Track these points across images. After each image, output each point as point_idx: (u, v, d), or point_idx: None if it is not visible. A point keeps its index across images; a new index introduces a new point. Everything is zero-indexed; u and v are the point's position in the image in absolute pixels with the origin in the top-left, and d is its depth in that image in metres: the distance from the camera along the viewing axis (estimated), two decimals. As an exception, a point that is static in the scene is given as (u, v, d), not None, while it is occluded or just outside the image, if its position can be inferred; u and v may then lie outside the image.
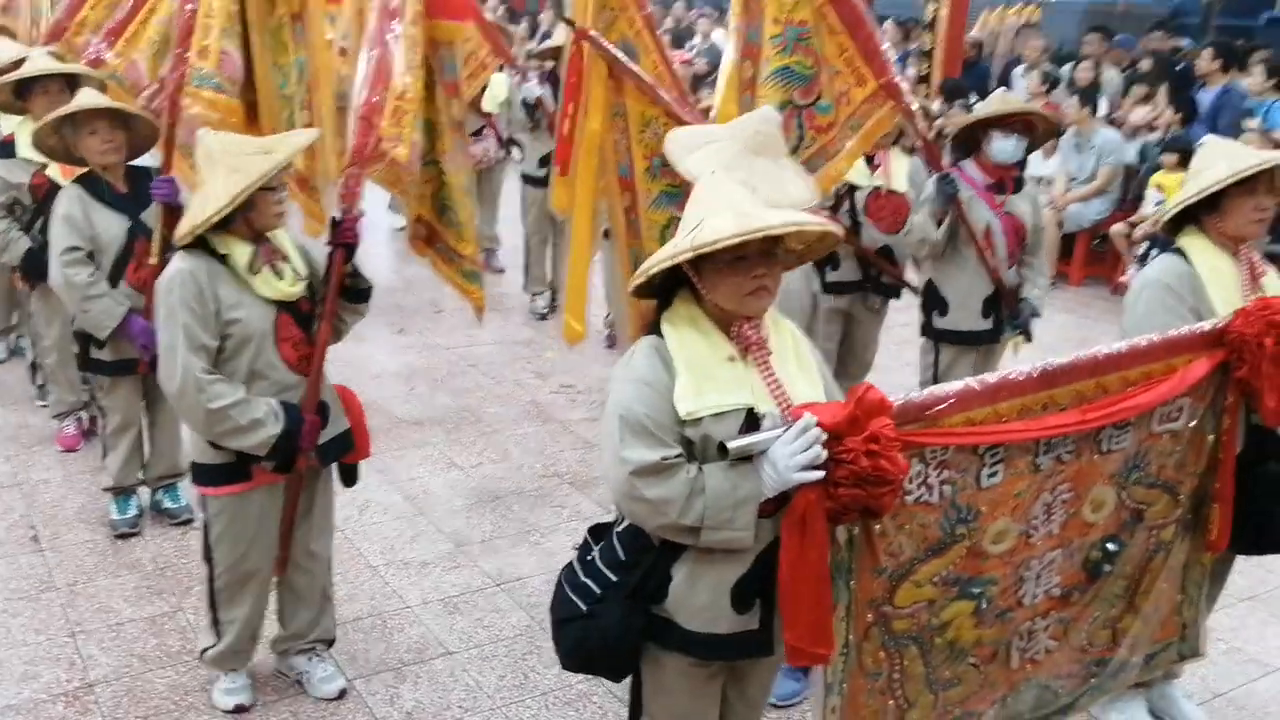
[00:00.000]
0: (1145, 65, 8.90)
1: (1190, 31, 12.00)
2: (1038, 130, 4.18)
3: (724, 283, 2.07)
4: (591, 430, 5.30)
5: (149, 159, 4.05)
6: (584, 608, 2.22)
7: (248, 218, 2.90)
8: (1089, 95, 8.09)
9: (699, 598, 2.16)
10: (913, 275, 4.69)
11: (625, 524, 2.25)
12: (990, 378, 2.33)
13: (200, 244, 2.89)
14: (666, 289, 2.20)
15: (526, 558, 4.10)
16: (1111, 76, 9.10)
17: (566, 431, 5.28)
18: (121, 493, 4.25)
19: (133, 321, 3.88)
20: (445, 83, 3.73)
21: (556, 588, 2.34)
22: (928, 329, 4.34)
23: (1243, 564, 3.30)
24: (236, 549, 3.06)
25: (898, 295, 4.69)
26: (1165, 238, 3.01)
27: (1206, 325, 2.63)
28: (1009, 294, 4.20)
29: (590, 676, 3.34)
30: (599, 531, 2.36)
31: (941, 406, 2.23)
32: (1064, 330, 6.73)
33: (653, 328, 2.21)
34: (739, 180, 2.10)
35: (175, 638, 3.52)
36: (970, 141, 4.19)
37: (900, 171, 4.61)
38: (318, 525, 3.26)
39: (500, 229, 7.93)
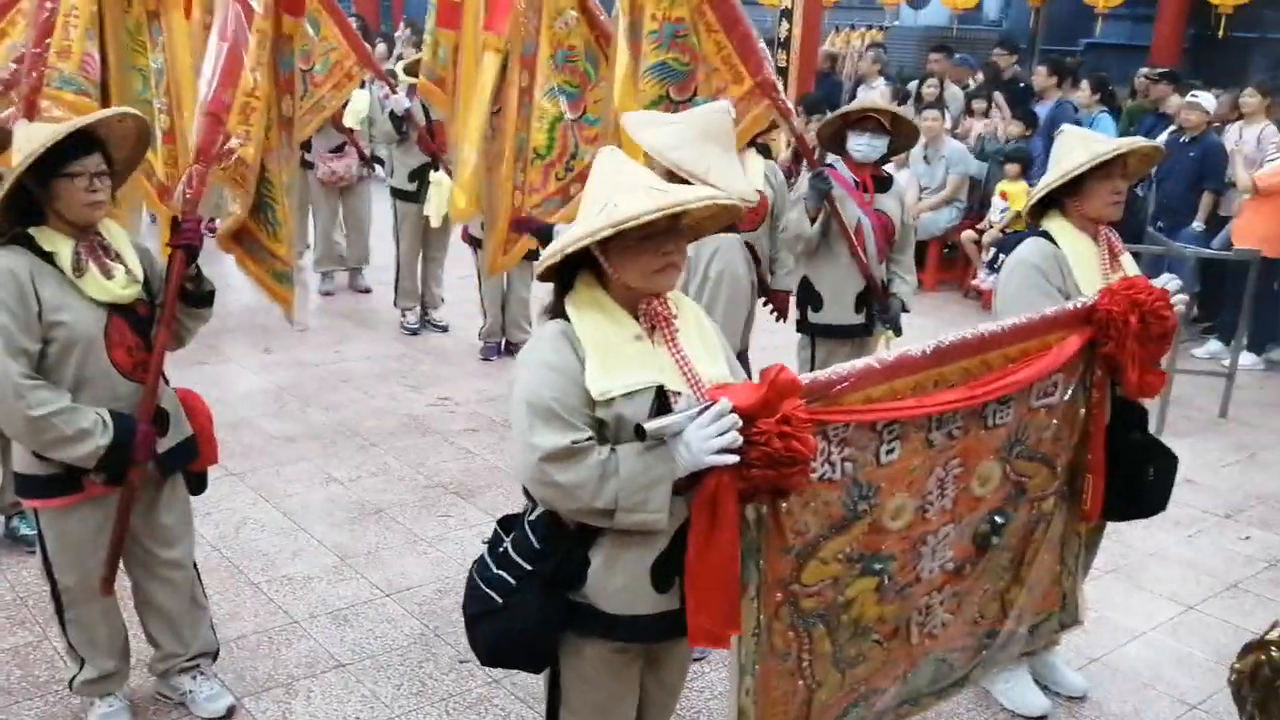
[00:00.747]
0: (981, 77, 9.40)
1: (1018, 54, 12.74)
2: (898, 133, 4.35)
3: (633, 261, 2.08)
4: (472, 440, 5.23)
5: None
6: (499, 600, 2.18)
7: (55, 209, 2.71)
8: (938, 108, 8.48)
9: (618, 580, 2.15)
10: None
11: (537, 512, 2.22)
12: (887, 356, 2.42)
13: (25, 240, 2.71)
14: (566, 273, 2.19)
15: (415, 567, 4.00)
16: (954, 93, 9.57)
17: (447, 443, 5.19)
18: None
19: None
20: (280, 78, 3.63)
21: (468, 584, 2.28)
22: (803, 324, 4.46)
23: (1104, 540, 3.50)
24: (75, 564, 2.87)
25: (766, 294, 4.77)
26: (1030, 222, 3.18)
27: (1076, 304, 2.80)
28: (879, 289, 4.36)
29: (490, 679, 3.32)
30: (508, 523, 2.32)
31: (844, 384, 2.30)
32: (922, 332, 6.86)
33: (556, 311, 2.19)
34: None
35: (42, 667, 3.29)
36: (838, 142, 4.34)
37: (756, 169, 4.72)
38: (174, 533, 3.05)
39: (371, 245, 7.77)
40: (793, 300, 4.54)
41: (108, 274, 2.76)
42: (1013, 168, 7.96)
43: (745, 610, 2.31)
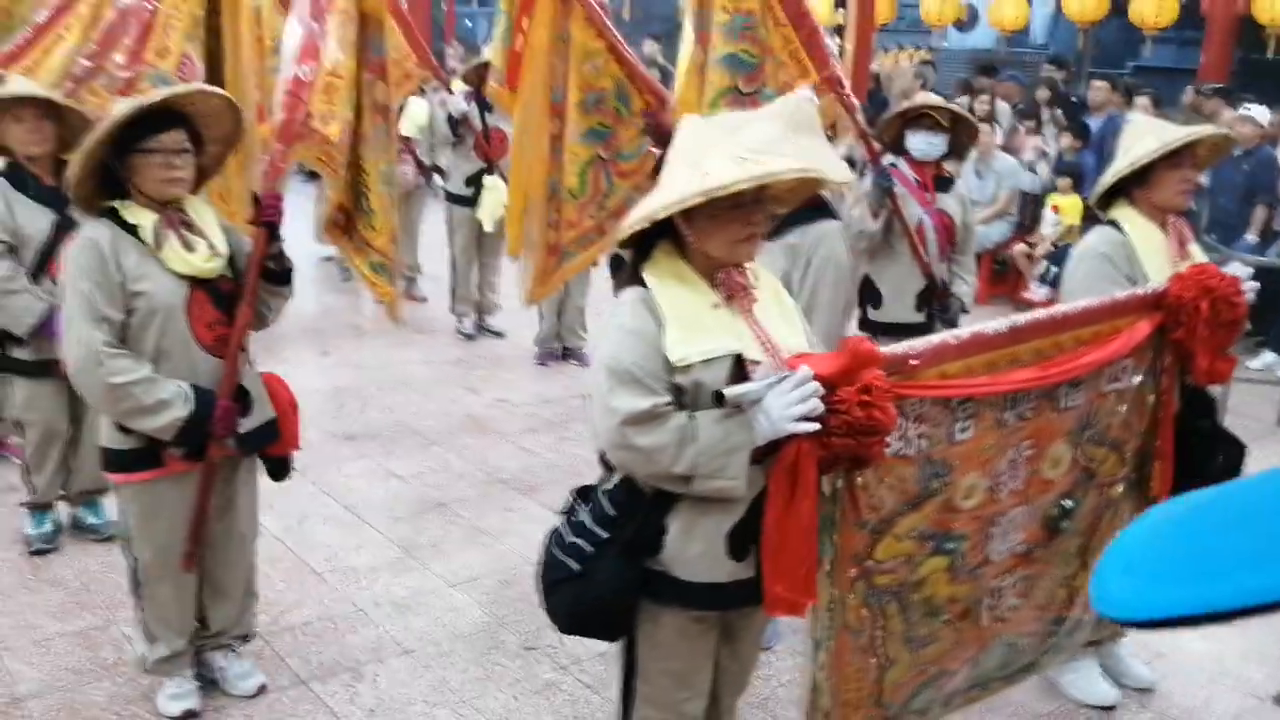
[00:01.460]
0: (1041, 95, 9.38)
1: (1067, 70, 12.72)
2: (956, 131, 4.37)
3: (719, 231, 2.11)
4: (531, 440, 5.28)
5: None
6: (577, 567, 2.20)
7: (135, 184, 2.78)
8: (989, 122, 8.48)
9: (694, 547, 2.17)
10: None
11: (613, 481, 2.25)
12: (964, 332, 2.44)
13: (111, 214, 2.79)
14: (645, 242, 2.21)
15: (478, 559, 4.05)
16: (1004, 109, 9.57)
17: (506, 441, 5.25)
18: (39, 508, 4.06)
19: (55, 319, 3.74)
20: (371, 63, 3.68)
21: (544, 553, 2.31)
22: (863, 321, 4.48)
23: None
24: (154, 538, 2.92)
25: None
26: (1098, 212, 3.18)
27: (1146, 289, 2.80)
28: (940, 289, 4.37)
29: (557, 665, 3.35)
30: (584, 493, 2.34)
31: (921, 358, 2.32)
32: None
33: (633, 280, 2.22)
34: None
35: (109, 649, 3.36)
36: (898, 143, 4.37)
37: None
38: (244, 515, 3.12)
39: (421, 256, 7.87)
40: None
41: (189, 247, 2.81)
42: (1065, 181, 7.94)
43: (820, 584, 2.33)
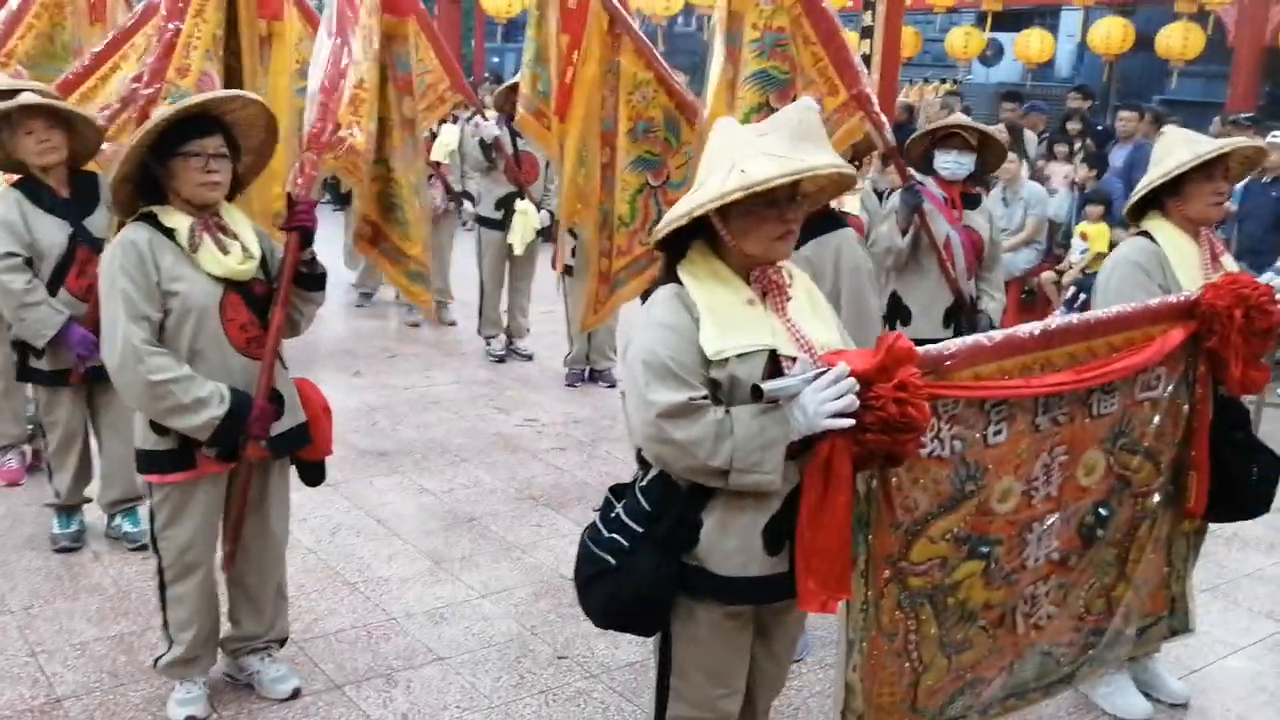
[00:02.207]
0: (1071, 127, 9.41)
1: (1092, 99, 12.76)
2: (985, 152, 4.41)
3: (755, 228, 2.14)
4: (560, 458, 5.31)
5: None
6: (612, 562, 2.21)
7: (174, 188, 2.84)
8: (1016, 150, 8.51)
9: (730, 541, 2.18)
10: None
11: (649, 478, 2.26)
12: (997, 334, 2.46)
13: (148, 218, 2.86)
14: (679, 241, 2.24)
15: (509, 571, 4.07)
16: (1030, 138, 9.61)
17: (536, 459, 5.28)
18: (64, 509, 4.14)
19: (71, 330, 3.81)
20: (398, 78, 3.74)
21: (580, 549, 2.32)
22: (892, 339, 4.49)
23: (1199, 559, 3.44)
24: (178, 539, 2.96)
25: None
26: (1130, 224, 3.20)
27: (1180, 296, 2.81)
28: (968, 305, 4.38)
29: (588, 674, 3.36)
30: (619, 491, 2.36)
31: (955, 358, 2.34)
32: (1003, 370, 6.95)
33: (670, 278, 2.24)
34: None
35: (146, 654, 3.38)
36: (926, 160, 4.42)
37: (851, 196, 4.82)
38: (275, 518, 3.15)
39: (451, 281, 7.96)
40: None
41: (223, 250, 2.87)
42: (1095, 209, 7.94)
43: (854, 584, 2.34)
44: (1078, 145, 9.08)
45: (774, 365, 2.17)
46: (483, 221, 6.90)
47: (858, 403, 2.06)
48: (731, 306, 2.19)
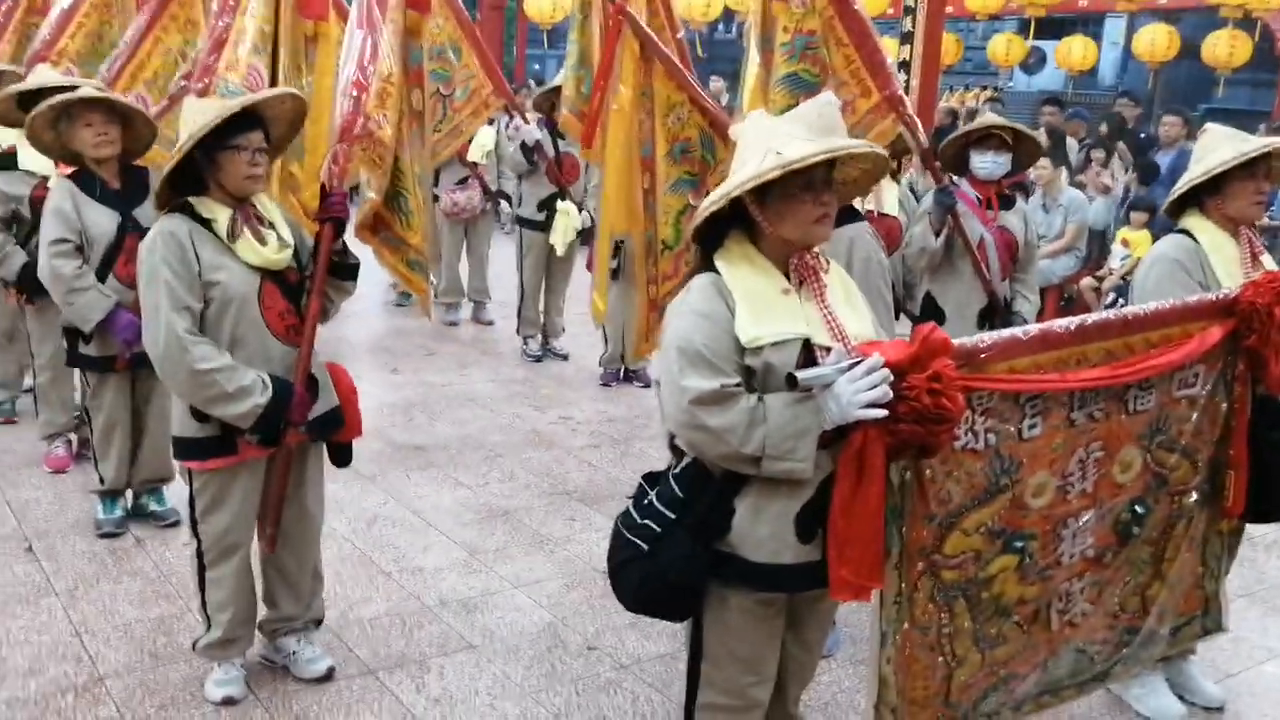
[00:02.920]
0: (1103, 129, 9.34)
1: (1140, 105, 12.65)
2: (1020, 151, 4.39)
3: (792, 212, 2.16)
4: (594, 455, 5.34)
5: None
6: (645, 547, 2.23)
7: (218, 179, 2.90)
8: (1057, 155, 8.46)
9: (762, 529, 2.19)
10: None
11: (681, 465, 2.29)
12: (1033, 328, 2.45)
13: (185, 209, 2.92)
14: (715, 231, 2.27)
15: (542, 564, 4.10)
16: (1070, 145, 9.53)
17: (570, 456, 5.32)
18: (108, 494, 4.24)
19: (118, 316, 3.92)
20: (410, 71, 3.81)
21: (613, 535, 2.35)
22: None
23: (1236, 564, 3.40)
24: (218, 523, 3.03)
25: (895, 315, 4.83)
26: (1169, 221, 3.18)
27: (1219, 294, 2.78)
28: (1002, 307, 4.36)
29: (618, 664, 3.38)
30: (653, 479, 2.38)
31: (990, 351, 2.34)
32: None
33: (706, 266, 2.27)
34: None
35: (185, 636, 3.45)
36: (960, 161, 4.41)
37: (890, 197, 4.83)
38: (310, 502, 3.21)
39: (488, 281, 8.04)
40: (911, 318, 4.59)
41: (261, 240, 2.95)
42: (1139, 215, 7.86)
43: (887, 576, 2.34)
44: (1113, 151, 9.01)
45: (808, 354, 2.18)
46: (525, 223, 6.96)
47: (891, 393, 2.06)
48: (767, 295, 2.20)
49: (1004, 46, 13.85)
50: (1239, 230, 3.04)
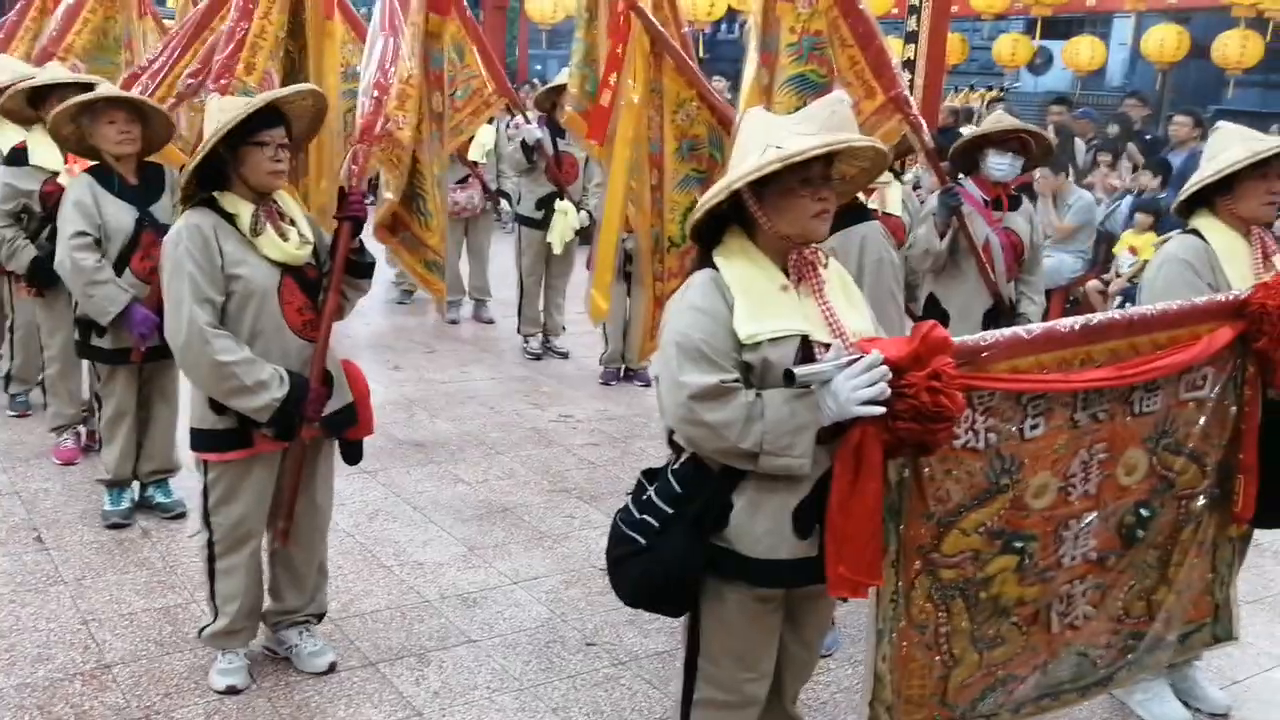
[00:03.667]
0: (1112, 130, 9.30)
1: (1149, 106, 12.60)
2: (1033, 151, 4.37)
3: (791, 207, 2.15)
4: (594, 453, 5.33)
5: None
6: (643, 542, 2.23)
7: (241, 174, 2.92)
8: (1062, 161, 8.41)
9: (760, 524, 2.18)
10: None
11: (680, 462, 2.28)
12: (1036, 328, 2.43)
13: (209, 203, 2.94)
14: (714, 228, 2.26)
15: (541, 560, 4.09)
16: (1078, 146, 9.50)
17: (570, 454, 5.31)
18: (115, 485, 4.25)
19: (134, 310, 3.94)
20: (431, 73, 3.81)
21: (611, 530, 2.34)
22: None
23: (1243, 570, 3.37)
24: (230, 514, 3.04)
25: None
26: (1179, 220, 3.15)
27: (1229, 295, 2.75)
28: (1007, 308, 4.34)
29: (616, 660, 3.37)
30: (651, 475, 2.38)
31: (992, 350, 2.32)
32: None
33: (704, 263, 2.26)
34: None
35: (190, 626, 3.45)
36: (968, 161, 4.39)
37: (894, 196, 4.81)
38: (320, 496, 3.23)
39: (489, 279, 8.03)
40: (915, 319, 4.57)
41: (283, 236, 2.97)
42: (1144, 219, 7.82)
43: (885, 574, 2.32)
44: (1120, 152, 8.97)
45: (807, 350, 2.17)
46: (523, 221, 6.95)
47: (889, 391, 2.05)
48: (766, 291, 2.19)
49: (1010, 47, 13.80)
50: (1250, 230, 3.01)
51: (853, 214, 3.23)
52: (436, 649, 3.42)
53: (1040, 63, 15.41)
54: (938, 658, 2.52)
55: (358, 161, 3.23)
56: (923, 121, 3.82)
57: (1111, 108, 12.59)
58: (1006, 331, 2.38)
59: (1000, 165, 4.27)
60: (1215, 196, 3.00)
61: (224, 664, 3.17)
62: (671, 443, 2.34)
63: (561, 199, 6.63)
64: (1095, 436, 2.57)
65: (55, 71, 4.55)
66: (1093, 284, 8.13)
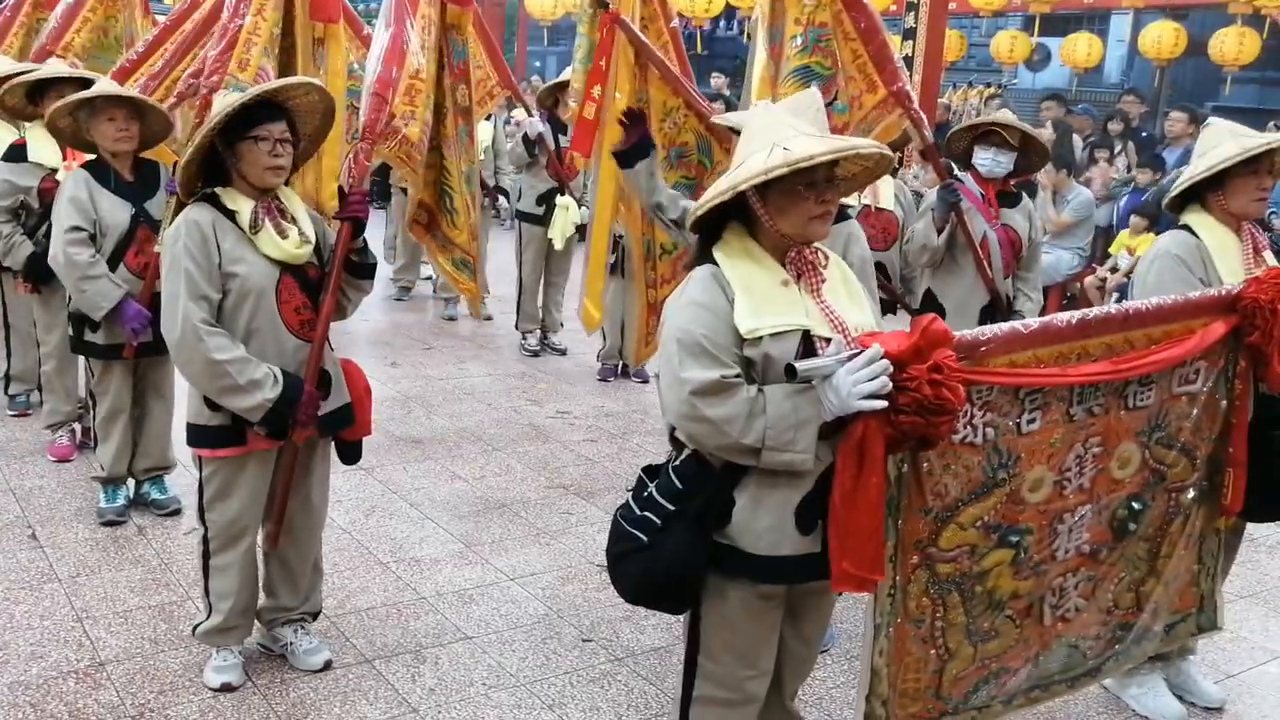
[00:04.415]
0: (1114, 127, 9.31)
1: (1146, 103, 12.60)
2: (1026, 151, 4.37)
3: (794, 208, 2.15)
4: (591, 449, 5.33)
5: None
6: (644, 539, 2.22)
7: (240, 169, 2.90)
8: (1061, 157, 8.42)
9: (763, 520, 2.18)
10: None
11: (681, 457, 2.27)
12: (1033, 322, 2.43)
13: (210, 199, 2.92)
14: (714, 224, 2.26)
15: (538, 556, 4.09)
16: (1075, 142, 9.51)
17: (567, 450, 5.31)
18: (110, 482, 4.25)
19: (128, 305, 3.93)
20: (454, 67, 3.79)
21: (612, 527, 2.33)
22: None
23: (1238, 565, 3.39)
24: (225, 511, 3.04)
25: (893, 311, 4.82)
26: (1170, 216, 3.16)
27: (1221, 289, 2.76)
28: (1004, 305, 4.35)
29: (613, 657, 3.38)
30: (653, 471, 2.36)
31: (990, 344, 2.32)
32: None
33: (704, 258, 2.26)
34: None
35: (185, 623, 3.45)
36: (968, 155, 4.39)
37: (887, 191, 4.81)
38: (315, 496, 3.22)
39: (487, 276, 8.03)
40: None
41: (282, 234, 2.95)
42: (1139, 220, 7.83)
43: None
44: (1118, 149, 8.98)
45: (808, 345, 2.17)
46: (524, 217, 6.95)
47: (891, 385, 2.05)
48: (766, 286, 2.19)
49: (1008, 43, 13.80)
50: (1241, 226, 3.02)
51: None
52: (433, 646, 3.42)
53: (1038, 59, 15.41)
54: (933, 651, 2.53)
55: (358, 161, 3.22)
56: (924, 116, 3.84)
57: (1109, 104, 12.59)
58: (1005, 326, 2.39)
59: (984, 159, 4.27)
60: (1206, 192, 3.01)
61: (219, 661, 3.16)
62: (673, 439, 2.33)
63: (563, 194, 6.63)
64: (1090, 431, 2.58)
65: (55, 67, 4.55)
66: (1090, 279, 8.15)
